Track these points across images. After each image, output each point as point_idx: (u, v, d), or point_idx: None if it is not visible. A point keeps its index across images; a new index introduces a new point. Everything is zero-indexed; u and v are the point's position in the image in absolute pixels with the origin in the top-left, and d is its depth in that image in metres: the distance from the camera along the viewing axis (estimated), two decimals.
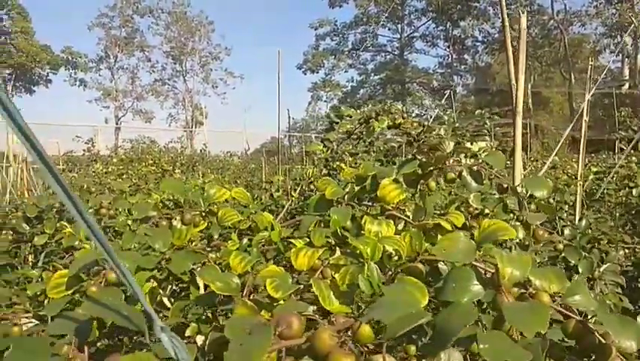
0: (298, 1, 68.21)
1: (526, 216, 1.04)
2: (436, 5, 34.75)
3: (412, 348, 0.93)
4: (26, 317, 1.16)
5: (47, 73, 41.69)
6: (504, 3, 3.32)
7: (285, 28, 71.65)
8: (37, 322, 1.17)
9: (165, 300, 1.23)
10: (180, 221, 1.31)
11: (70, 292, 1.08)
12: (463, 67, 38.60)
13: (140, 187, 3.06)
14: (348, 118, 2.38)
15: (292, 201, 2.23)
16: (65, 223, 1.92)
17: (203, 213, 1.41)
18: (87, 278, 1.14)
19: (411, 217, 1.17)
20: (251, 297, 1.10)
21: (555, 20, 32.33)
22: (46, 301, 1.26)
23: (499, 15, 34.26)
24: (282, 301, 0.99)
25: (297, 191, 2.32)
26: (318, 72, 39.29)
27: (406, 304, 0.50)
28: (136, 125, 39.98)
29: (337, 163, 2.91)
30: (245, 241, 1.50)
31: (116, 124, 38.61)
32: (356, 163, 3.74)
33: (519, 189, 1.17)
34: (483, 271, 0.69)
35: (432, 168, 1.07)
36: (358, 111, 2.37)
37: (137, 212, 1.20)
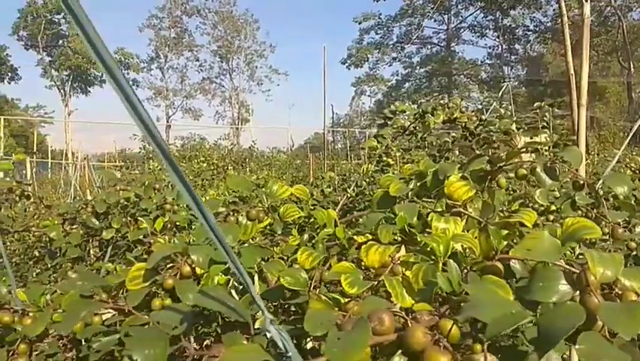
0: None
1: (607, 214, 1.00)
2: None
3: (478, 347, 0.92)
4: (105, 308, 1.23)
5: (102, 74, 43.51)
6: None
7: (328, 23, 71.59)
8: (114, 312, 1.24)
9: (233, 292, 1.27)
10: (246, 217, 1.35)
11: (147, 284, 1.13)
12: (513, 57, 37.34)
13: (196, 183, 3.16)
14: (402, 113, 2.36)
15: (346, 197, 2.24)
16: (141, 218, 2.00)
17: (267, 210, 1.44)
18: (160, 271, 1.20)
19: (474, 214, 1.16)
20: (316, 292, 1.12)
21: (612, 6, 30.66)
22: (121, 293, 1.33)
23: (552, 3, 32.84)
24: (347, 298, 1.00)
25: (352, 188, 2.33)
26: (362, 67, 39.07)
27: (503, 304, 0.50)
28: (185, 123, 41.22)
29: (385, 159, 2.90)
30: (305, 236, 1.53)
31: (167, 122, 39.96)
32: (403, 158, 3.70)
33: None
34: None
35: (502, 165, 1.05)
36: (413, 106, 2.34)
37: (208, 207, 1.24)
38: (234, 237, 1.19)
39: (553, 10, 33.32)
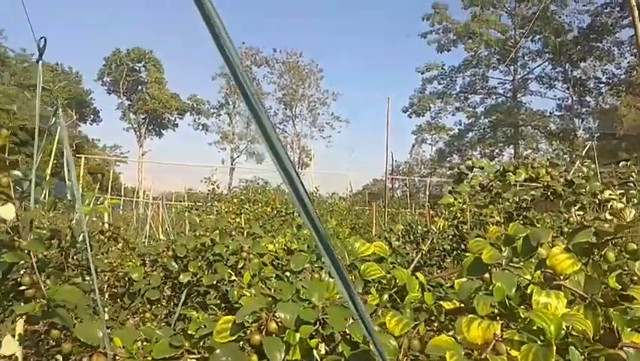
0: (404, 48, 69.41)
1: None
2: (552, 47, 33.10)
3: None
4: (191, 358, 1.25)
5: (175, 118, 46.49)
6: None
7: (390, 72, 72.74)
8: None
9: (316, 353, 1.25)
10: (329, 274, 1.35)
11: (234, 338, 1.14)
12: (584, 109, 35.92)
13: (265, 229, 3.21)
14: (479, 170, 2.31)
15: (421, 254, 2.19)
16: (229, 270, 2.05)
17: (348, 267, 1.43)
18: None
19: (575, 288, 1.09)
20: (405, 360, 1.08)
21: None
22: (203, 342, 1.35)
23: (626, 55, 31.62)
24: None
25: (427, 245, 2.28)
26: (423, 115, 39.02)
27: None
28: (248, 166, 42.69)
29: (460, 216, 2.82)
30: (385, 296, 1.49)
31: (231, 165, 41.51)
32: (479, 215, 3.58)
33: None
34: None
35: (609, 238, 0.99)
36: (491, 163, 2.29)
37: (294, 265, 1.25)
38: (320, 296, 1.18)
39: (628, 62, 32.07)
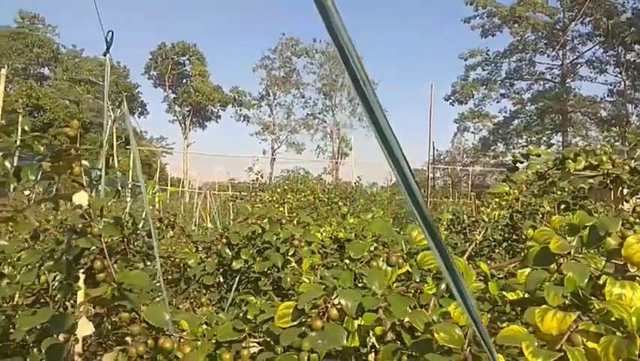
0: (447, 34, 67.86)
1: None
2: (604, 29, 31.45)
3: None
4: (252, 342, 1.28)
5: (218, 110, 47.40)
6: None
7: (430, 60, 71.31)
8: (261, 347, 1.28)
9: (374, 340, 1.25)
10: (386, 262, 1.35)
11: (295, 323, 1.16)
12: (638, 95, 33.99)
13: (314, 218, 3.23)
14: (536, 157, 2.23)
15: (474, 244, 2.15)
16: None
17: (405, 256, 1.42)
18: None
19: None
20: (469, 351, 1.07)
21: None
22: (264, 327, 1.38)
23: None
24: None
25: (481, 234, 2.23)
26: (466, 103, 38.05)
27: None
28: (288, 156, 43.08)
29: (515, 205, 2.74)
30: (442, 286, 1.48)
31: (272, 155, 42.01)
32: (530, 205, 3.48)
33: None
34: None
35: None
36: (548, 150, 2.21)
37: (353, 252, 1.26)
38: (380, 284, 1.18)
39: None
